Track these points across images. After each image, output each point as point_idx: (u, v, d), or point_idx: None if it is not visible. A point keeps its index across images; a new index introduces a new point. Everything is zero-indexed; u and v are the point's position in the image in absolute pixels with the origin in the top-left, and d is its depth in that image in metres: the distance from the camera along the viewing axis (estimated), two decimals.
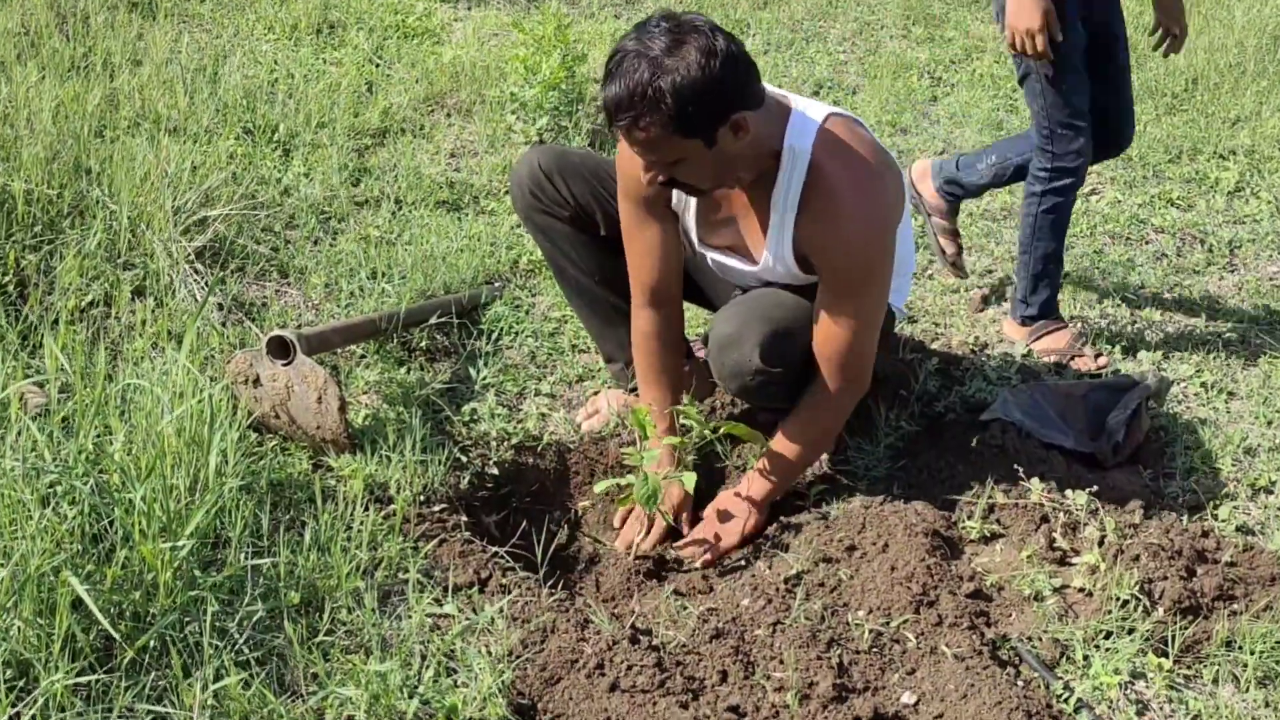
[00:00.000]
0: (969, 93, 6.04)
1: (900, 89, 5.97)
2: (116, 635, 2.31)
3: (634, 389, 3.41)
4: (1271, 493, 3.35)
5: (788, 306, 3.02)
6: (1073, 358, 3.90)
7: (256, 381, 3.07)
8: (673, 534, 3.17)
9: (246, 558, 2.61)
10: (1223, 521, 3.19)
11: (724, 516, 3.11)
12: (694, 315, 3.87)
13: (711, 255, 3.16)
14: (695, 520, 3.19)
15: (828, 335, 2.94)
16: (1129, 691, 2.66)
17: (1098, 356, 3.93)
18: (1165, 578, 2.86)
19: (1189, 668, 2.73)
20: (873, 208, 2.86)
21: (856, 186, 2.83)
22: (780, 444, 3.10)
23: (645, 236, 3.09)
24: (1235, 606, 2.85)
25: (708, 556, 3.04)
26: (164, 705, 2.28)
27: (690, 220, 3.11)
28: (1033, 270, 3.97)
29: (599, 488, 3.11)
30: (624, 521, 3.20)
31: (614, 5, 6.64)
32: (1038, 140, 3.84)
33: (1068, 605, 2.86)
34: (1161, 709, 2.63)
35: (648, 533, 3.15)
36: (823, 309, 2.93)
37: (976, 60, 6.43)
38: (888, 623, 2.73)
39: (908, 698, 2.56)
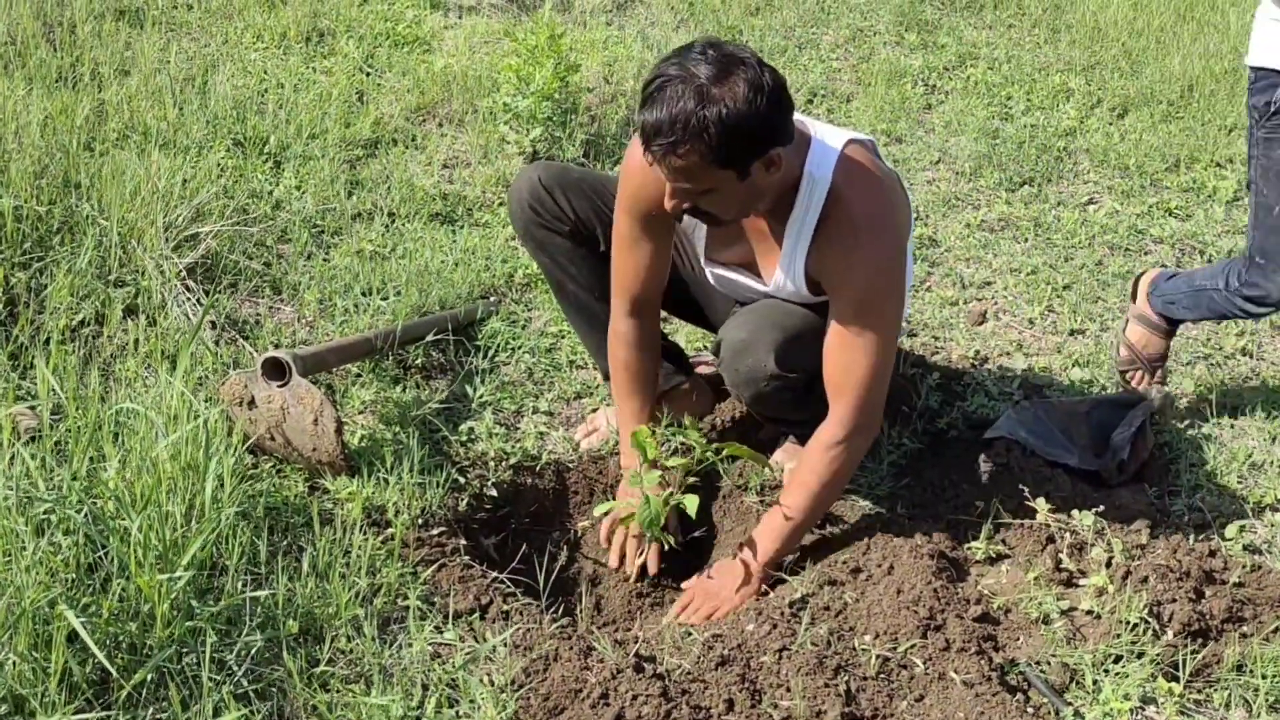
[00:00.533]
0: (964, 100, 6.01)
1: (895, 97, 5.94)
2: (113, 669, 2.26)
3: None
4: (1279, 510, 3.32)
5: (797, 315, 3.00)
6: (1127, 373, 3.83)
7: (251, 403, 3.03)
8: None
9: (245, 587, 2.56)
10: (1230, 540, 3.16)
11: (720, 584, 2.97)
12: (692, 332, 3.84)
13: (718, 271, 3.13)
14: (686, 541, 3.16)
15: (841, 365, 2.88)
16: (1140, 717, 2.63)
17: (1152, 384, 3.82)
18: (1174, 600, 2.83)
19: (1199, 692, 2.71)
20: (888, 239, 2.82)
21: (873, 218, 2.80)
22: (788, 499, 2.97)
23: (639, 251, 3.06)
24: (1245, 629, 2.82)
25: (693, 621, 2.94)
26: None
27: (700, 236, 3.09)
28: (1184, 291, 3.77)
29: (599, 510, 3.07)
30: (610, 538, 3.15)
31: (606, 13, 6.60)
32: (1244, 251, 3.62)
33: (1076, 628, 2.83)
34: None
35: (641, 551, 3.12)
36: (837, 339, 2.86)
37: (970, 67, 6.40)
38: (895, 648, 2.69)
39: None
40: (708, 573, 3.03)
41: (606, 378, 3.50)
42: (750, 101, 2.51)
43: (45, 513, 2.48)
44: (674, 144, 2.53)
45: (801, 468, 2.98)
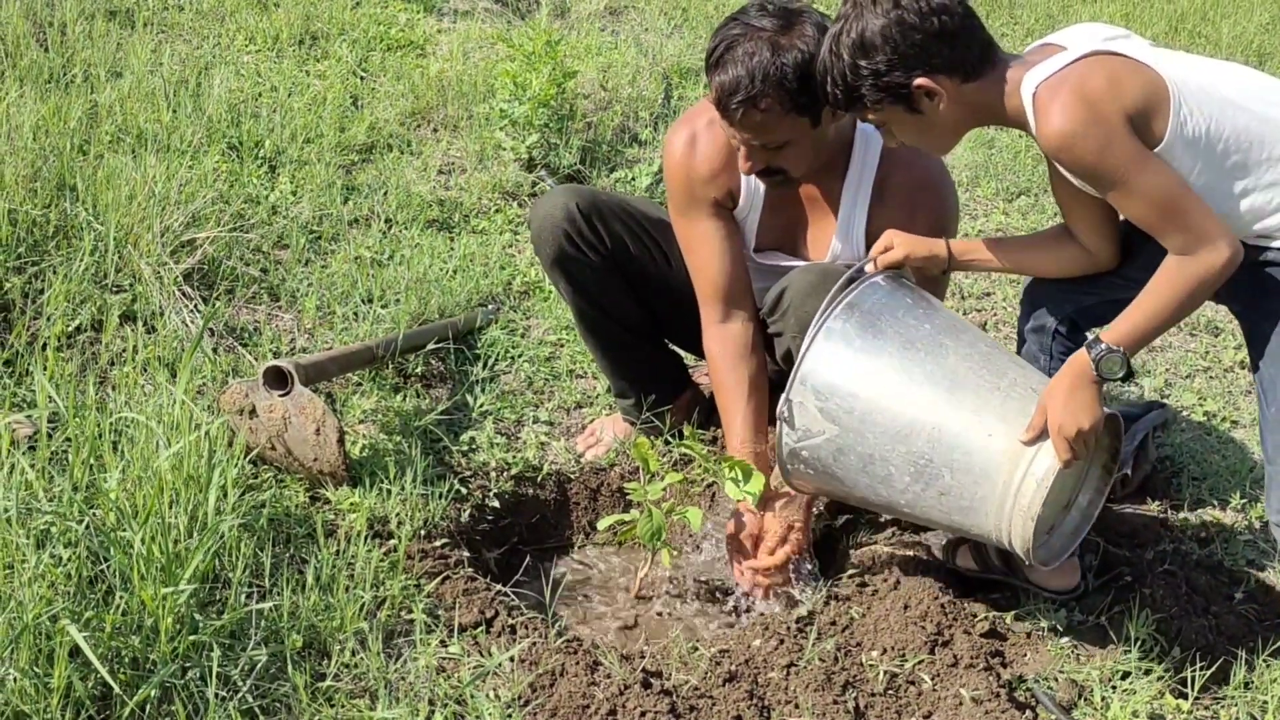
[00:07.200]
0: None
1: None
2: (116, 685, 2.22)
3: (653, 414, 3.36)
4: None
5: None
6: None
7: (252, 412, 2.99)
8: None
9: (250, 599, 2.53)
10: (1234, 556, 3.15)
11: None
12: None
13: (768, 262, 3.11)
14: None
15: None
16: None
17: None
18: (1181, 615, 2.82)
19: (1207, 709, 2.69)
20: (947, 187, 2.96)
21: (930, 170, 2.91)
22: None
23: (710, 241, 3.02)
24: (1252, 644, 2.81)
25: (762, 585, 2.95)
26: None
27: (750, 226, 3.07)
28: None
29: (603, 524, 3.03)
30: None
31: (600, 19, 6.58)
32: None
33: (1083, 644, 2.81)
34: None
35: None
36: None
37: None
38: (902, 664, 2.68)
39: None
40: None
41: (619, 395, 3.46)
42: (820, 43, 2.55)
43: (46, 525, 2.45)
44: (755, 97, 2.61)
45: None
